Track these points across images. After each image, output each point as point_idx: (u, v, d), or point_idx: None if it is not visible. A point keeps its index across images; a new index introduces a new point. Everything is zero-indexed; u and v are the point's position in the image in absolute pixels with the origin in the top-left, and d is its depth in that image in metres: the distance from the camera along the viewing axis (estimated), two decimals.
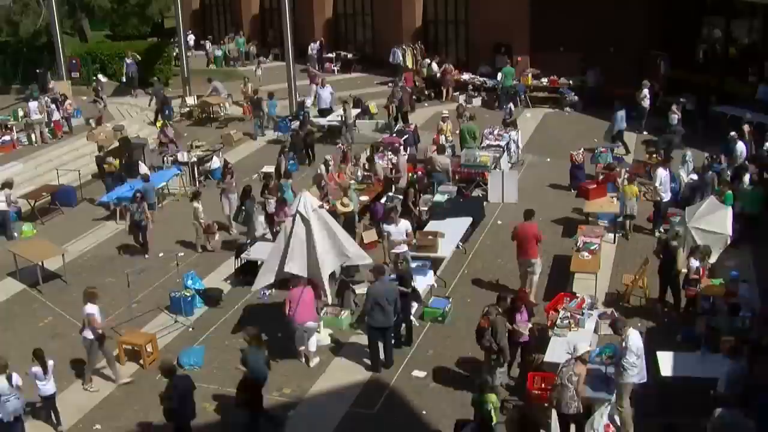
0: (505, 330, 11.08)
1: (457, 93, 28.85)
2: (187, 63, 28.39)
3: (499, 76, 27.55)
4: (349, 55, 35.41)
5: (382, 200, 17.75)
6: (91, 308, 12.01)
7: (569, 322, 11.98)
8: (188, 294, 14.43)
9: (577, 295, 13.05)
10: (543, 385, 10.82)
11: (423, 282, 14.13)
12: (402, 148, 21.01)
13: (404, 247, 13.82)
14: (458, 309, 14.09)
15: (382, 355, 12.37)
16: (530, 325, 11.78)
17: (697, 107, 23.64)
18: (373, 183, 19.08)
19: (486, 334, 10.97)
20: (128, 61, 30.40)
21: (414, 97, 27.24)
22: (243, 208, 16.67)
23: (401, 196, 17.48)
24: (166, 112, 26.38)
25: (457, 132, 21.56)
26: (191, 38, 38.07)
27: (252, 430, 10.82)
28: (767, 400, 9.66)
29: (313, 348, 12.61)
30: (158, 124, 25.26)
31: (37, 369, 11.02)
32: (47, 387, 11.15)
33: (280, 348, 13.04)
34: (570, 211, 18.29)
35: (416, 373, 12.34)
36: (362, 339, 13.01)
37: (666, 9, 26.49)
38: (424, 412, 11.37)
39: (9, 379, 10.55)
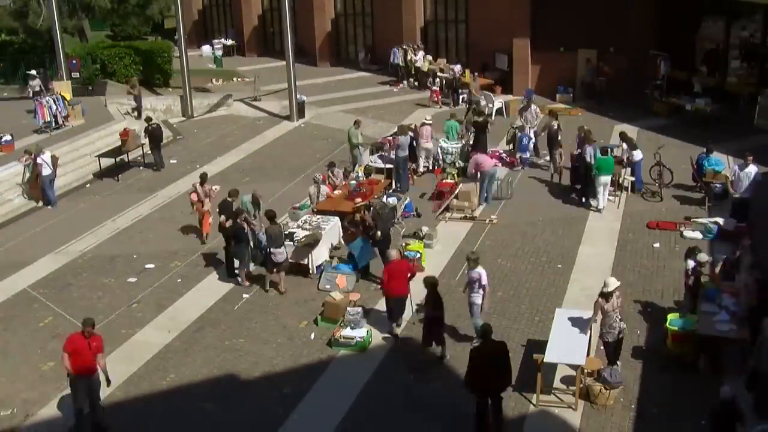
0: None
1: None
2: (188, 63, 28.37)
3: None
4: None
5: (383, 199, 17.71)
6: None
7: None
8: None
9: None
10: None
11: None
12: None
13: None
14: (458, 309, 14.09)
15: None
16: None
17: None
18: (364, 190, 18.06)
19: None
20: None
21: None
22: None
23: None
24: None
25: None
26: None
27: None
28: None
29: None
30: None
31: None
32: None
33: (279, 346, 13.09)
34: (569, 211, 18.31)
35: (415, 373, 12.35)
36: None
37: (666, 9, 26.49)
38: (423, 413, 11.38)
39: None
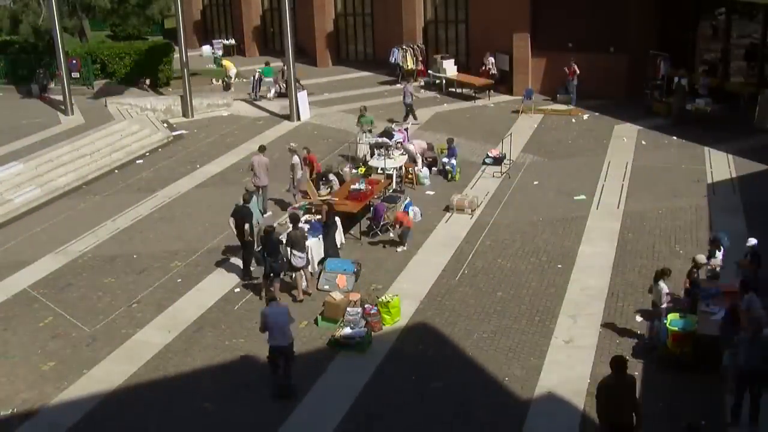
0: None
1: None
2: (188, 63, 28.33)
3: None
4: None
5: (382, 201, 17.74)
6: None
7: None
8: None
9: None
10: None
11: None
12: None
13: None
14: (458, 309, 14.09)
15: None
16: None
17: None
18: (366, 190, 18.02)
19: None
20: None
21: None
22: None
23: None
24: None
25: None
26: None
27: None
28: None
29: None
30: None
31: None
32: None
33: None
34: (570, 211, 18.30)
35: (416, 373, 12.36)
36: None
37: (666, 8, 26.49)
38: (424, 413, 11.38)
39: None
